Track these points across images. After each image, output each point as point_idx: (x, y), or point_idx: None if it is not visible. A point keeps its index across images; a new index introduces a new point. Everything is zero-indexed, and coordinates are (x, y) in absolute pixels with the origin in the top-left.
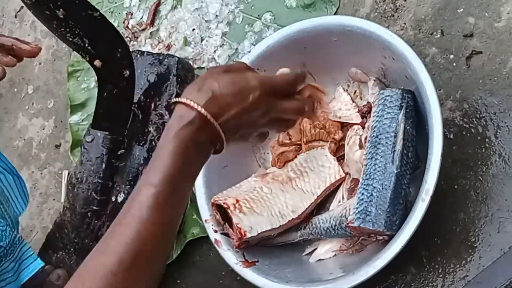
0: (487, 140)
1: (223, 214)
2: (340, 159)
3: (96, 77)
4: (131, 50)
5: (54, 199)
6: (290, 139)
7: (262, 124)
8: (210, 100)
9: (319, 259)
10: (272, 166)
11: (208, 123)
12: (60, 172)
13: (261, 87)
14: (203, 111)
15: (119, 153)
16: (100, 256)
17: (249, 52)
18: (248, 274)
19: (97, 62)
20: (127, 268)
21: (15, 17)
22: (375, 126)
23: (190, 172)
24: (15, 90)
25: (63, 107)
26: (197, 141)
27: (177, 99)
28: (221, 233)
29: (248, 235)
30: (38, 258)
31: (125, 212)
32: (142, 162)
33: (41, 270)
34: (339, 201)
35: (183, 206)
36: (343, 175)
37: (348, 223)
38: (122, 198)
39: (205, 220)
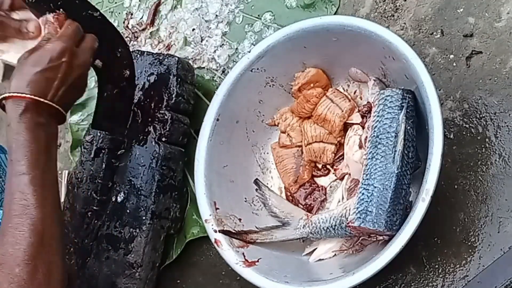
0: (487, 140)
1: None
2: (340, 159)
3: (96, 77)
4: (131, 50)
5: None
6: (291, 140)
7: (80, 72)
8: (30, 84)
9: (319, 259)
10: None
11: (40, 104)
12: (60, 172)
13: (64, 48)
14: (29, 95)
15: (119, 153)
16: (15, 245)
17: (249, 52)
18: (248, 274)
19: (97, 62)
20: (39, 248)
21: None
22: (376, 126)
23: (48, 151)
24: None
25: None
26: (40, 123)
27: (3, 95)
28: (220, 231)
29: None
30: None
31: (11, 203)
32: (142, 162)
33: None
34: (339, 201)
35: (56, 184)
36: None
37: (348, 223)
38: (122, 198)
39: (205, 220)
